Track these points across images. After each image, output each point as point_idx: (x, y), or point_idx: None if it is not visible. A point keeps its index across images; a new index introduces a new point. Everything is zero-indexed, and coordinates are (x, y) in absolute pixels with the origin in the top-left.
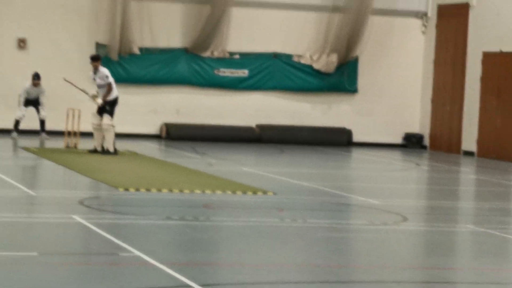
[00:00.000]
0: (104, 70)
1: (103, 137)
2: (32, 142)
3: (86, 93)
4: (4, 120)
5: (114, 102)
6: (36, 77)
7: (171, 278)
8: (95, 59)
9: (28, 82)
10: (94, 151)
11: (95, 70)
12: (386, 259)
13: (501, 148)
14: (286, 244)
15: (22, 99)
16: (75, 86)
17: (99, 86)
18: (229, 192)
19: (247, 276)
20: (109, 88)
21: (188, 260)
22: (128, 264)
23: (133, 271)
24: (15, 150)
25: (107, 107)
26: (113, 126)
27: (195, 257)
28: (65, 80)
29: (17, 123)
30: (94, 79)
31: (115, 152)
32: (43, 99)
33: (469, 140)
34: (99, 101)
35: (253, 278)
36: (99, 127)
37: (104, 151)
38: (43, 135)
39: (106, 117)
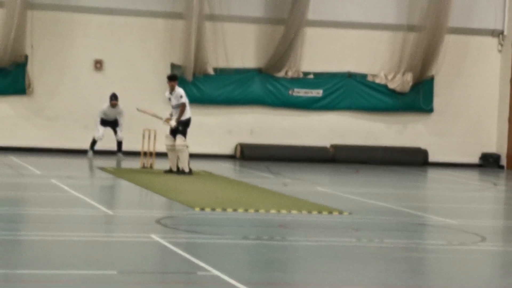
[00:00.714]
0: (179, 90)
1: (178, 158)
2: (108, 162)
3: (160, 118)
4: (81, 140)
5: (187, 123)
6: (114, 97)
7: None
8: (172, 78)
9: (105, 103)
10: (170, 171)
11: (171, 90)
12: (464, 280)
13: None
14: (363, 265)
15: (99, 120)
16: (148, 113)
17: (174, 107)
18: (305, 212)
19: None
20: (182, 108)
21: (265, 280)
22: (207, 283)
23: None
24: (92, 170)
25: (180, 128)
26: (186, 146)
27: (272, 277)
28: (138, 109)
29: (94, 143)
30: (169, 99)
31: (190, 172)
32: (121, 120)
33: None
34: (172, 123)
35: None
36: (173, 148)
37: (179, 171)
38: (120, 155)
39: (179, 138)
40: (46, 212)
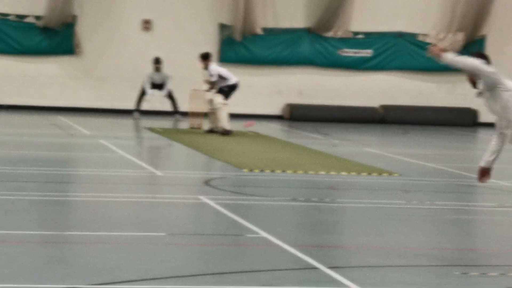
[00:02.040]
0: (211, 69)
1: (216, 117)
2: (157, 123)
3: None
4: (129, 101)
5: (231, 87)
6: (156, 61)
7: (298, 260)
8: (204, 57)
9: (150, 68)
10: (210, 131)
11: (205, 68)
12: (495, 241)
13: None
14: (414, 227)
15: (147, 86)
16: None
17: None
18: (354, 174)
19: (374, 259)
20: (211, 86)
21: (314, 242)
22: (255, 245)
23: (260, 253)
24: (140, 131)
25: (225, 88)
26: (225, 104)
27: (321, 239)
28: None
29: (140, 101)
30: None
31: (230, 132)
32: (169, 85)
33: None
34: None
35: (380, 261)
36: (213, 110)
37: (222, 131)
38: (178, 116)
39: (218, 96)
40: (95, 172)
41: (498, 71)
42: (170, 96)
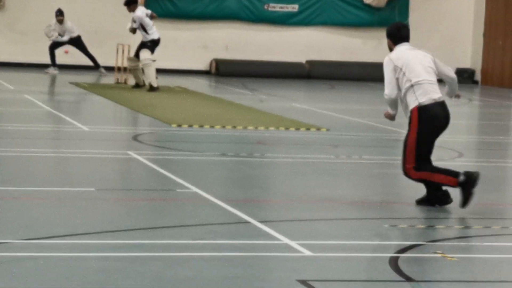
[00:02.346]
0: (134, 15)
1: (143, 73)
2: (81, 78)
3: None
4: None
5: (155, 42)
6: (59, 13)
7: (230, 214)
8: (127, 4)
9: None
10: (137, 86)
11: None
12: None
13: None
14: (342, 181)
15: (54, 34)
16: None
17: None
18: (282, 129)
19: (304, 213)
20: (132, 32)
21: (245, 197)
22: (186, 200)
23: (191, 207)
24: (65, 86)
25: (148, 43)
26: (153, 60)
27: (252, 193)
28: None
29: (52, 54)
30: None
31: (157, 88)
32: (67, 37)
33: None
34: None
35: (310, 215)
36: (135, 68)
37: (150, 88)
38: (101, 70)
39: (145, 52)
40: (22, 128)
41: (402, 63)
42: (86, 52)
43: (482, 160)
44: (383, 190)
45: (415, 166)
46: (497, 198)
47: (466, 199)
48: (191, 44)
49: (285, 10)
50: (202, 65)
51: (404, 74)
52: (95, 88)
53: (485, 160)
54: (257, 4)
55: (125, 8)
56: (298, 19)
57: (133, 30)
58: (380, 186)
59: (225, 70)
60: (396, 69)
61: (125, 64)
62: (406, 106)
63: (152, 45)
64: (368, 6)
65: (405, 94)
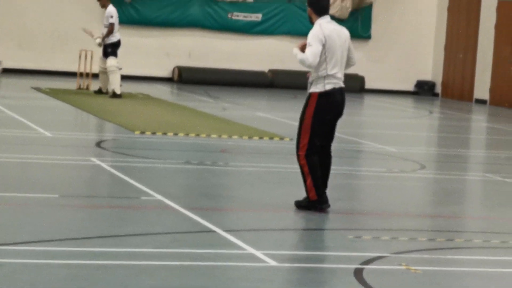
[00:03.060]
0: (110, 10)
1: (108, 79)
2: (43, 83)
3: (92, 36)
4: (17, 60)
5: (115, 44)
6: None
7: (195, 223)
8: None
9: (37, 26)
10: (99, 91)
11: (102, 8)
12: (402, 205)
13: None
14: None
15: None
16: (87, 33)
17: (105, 26)
18: (246, 137)
19: (269, 223)
20: (110, 28)
21: (210, 206)
22: (151, 208)
23: (156, 215)
24: (27, 91)
25: (109, 49)
26: (118, 68)
27: (217, 202)
28: (83, 30)
29: None
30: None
31: (120, 95)
32: None
33: (482, 88)
34: (98, 40)
35: (275, 224)
36: (105, 70)
37: (112, 94)
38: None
39: (111, 59)
40: None
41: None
42: None
43: (443, 172)
44: (347, 200)
45: (306, 153)
46: (459, 211)
47: (300, 205)
48: (154, 51)
49: (249, 19)
50: (165, 72)
51: (325, 58)
52: (57, 93)
53: (446, 173)
54: (220, 13)
55: (88, 13)
56: (261, 28)
57: (100, 44)
58: (344, 197)
59: (187, 78)
60: (323, 46)
61: (87, 69)
62: (312, 82)
63: (113, 49)
64: (332, 16)
65: (317, 74)
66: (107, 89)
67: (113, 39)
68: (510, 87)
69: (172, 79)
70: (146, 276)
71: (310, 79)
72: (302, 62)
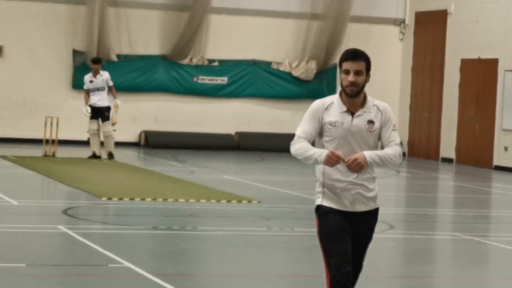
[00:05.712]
0: (106, 74)
1: (105, 143)
2: (8, 151)
3: (116, 108)
4: None
5: (109, 108)
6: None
7: None
8: (97, 61)
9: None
10: (94, 156)
11: (95, 74)
12: (374, 267)
13: (479, 155)
14: (276, 254)
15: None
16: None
17: (99, 89)
18: (214, 201)
19: (238, 286)
20: (114, 91)
21: (178, 271)
22: (119, 275)
23: (124, 283)
24: None
25: (106, 113)
26: (114, 130)
27: (185, 267)
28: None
29: None
30: (91, 81)
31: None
32: None
33: (448, 147)
34: (119, 102)
35: None
36: (97, 133)
37: (110, 156)
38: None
39: (109, 124)
40: None
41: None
42: None
43: (412, 232)
44: (317, 263)
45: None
46: (429, 271)
47: None
48: (120, 116)
49: (215, 82)
50: (131, 137)
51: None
52: (23, 161)
53: (415, 233)
54: (186, 77)
55: (53, 80)
56: (227, 91)
57: (87, 112)
58: (314, 259)
59: (154, 142)
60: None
61: (53, 136)
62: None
63: (108, 113)
64: (297, 78)
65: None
66: (100, 152)
67: (106, 102)
68: (475, 145)
69: (138, 143)
70: None
71: (371, 187)
72: (397, 160)
